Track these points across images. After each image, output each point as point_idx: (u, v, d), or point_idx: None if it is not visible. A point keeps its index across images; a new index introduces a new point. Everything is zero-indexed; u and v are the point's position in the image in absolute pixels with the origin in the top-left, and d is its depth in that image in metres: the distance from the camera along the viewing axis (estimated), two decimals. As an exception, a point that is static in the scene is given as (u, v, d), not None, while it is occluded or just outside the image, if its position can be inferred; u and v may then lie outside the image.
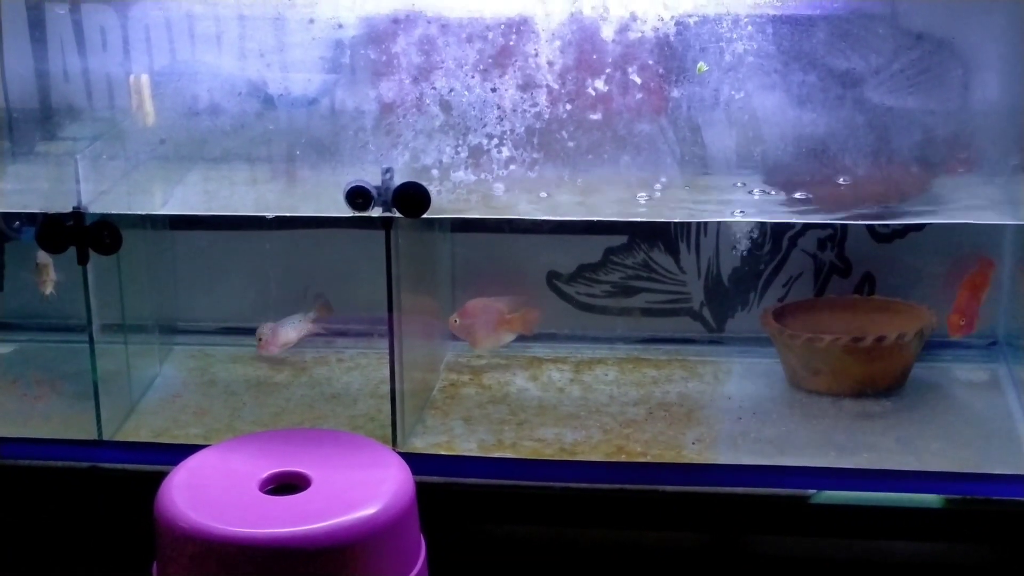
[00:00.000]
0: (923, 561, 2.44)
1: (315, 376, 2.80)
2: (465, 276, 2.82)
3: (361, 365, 2.83)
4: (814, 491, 2.30)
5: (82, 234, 2.41)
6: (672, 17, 2.33)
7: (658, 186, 2.42)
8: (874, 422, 2.51)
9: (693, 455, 2.41)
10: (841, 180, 2.38)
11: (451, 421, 2.58)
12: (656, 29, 2.33)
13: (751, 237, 2.76)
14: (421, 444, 2.49)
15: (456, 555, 2.34)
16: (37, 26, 2.71)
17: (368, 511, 2.02)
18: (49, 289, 2.63)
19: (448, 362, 2.84)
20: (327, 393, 2.72)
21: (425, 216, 2.35)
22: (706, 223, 2.76)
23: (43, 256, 2.57)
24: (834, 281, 2.79)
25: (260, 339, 2.80)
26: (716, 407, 2.61)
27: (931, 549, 2.43)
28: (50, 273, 2.61)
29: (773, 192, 2.41)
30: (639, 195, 2.43)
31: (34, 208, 2.48)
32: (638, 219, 2.48)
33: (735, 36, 2.32)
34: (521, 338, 2.80)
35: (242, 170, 2.59)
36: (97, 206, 2.42)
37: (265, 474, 2.11)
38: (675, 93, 2.39)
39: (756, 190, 2.40)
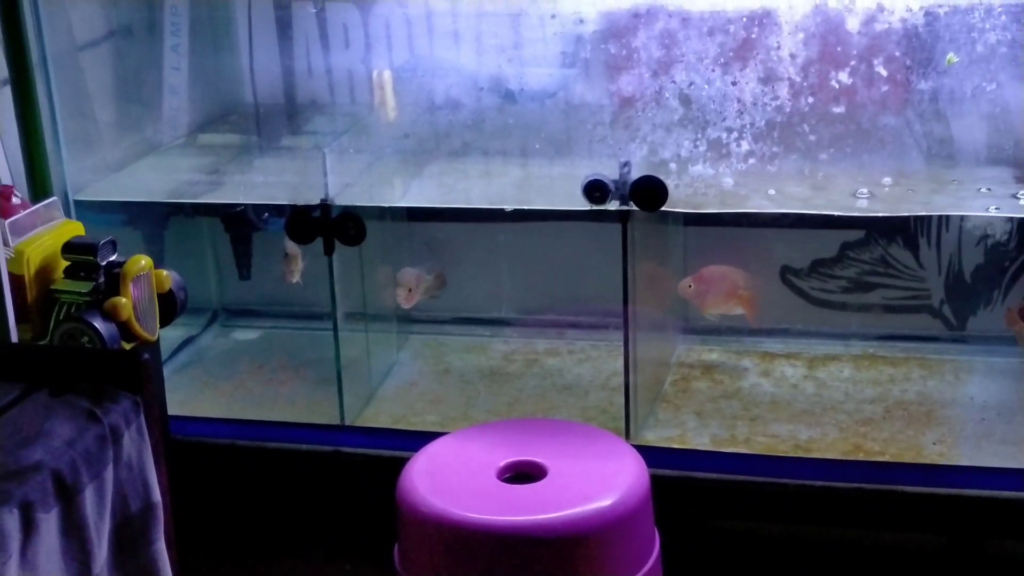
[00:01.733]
0: None
1: (546, 367, 2.83)
2: (697, 270, 2.80)
3: (592, 357, 2.86)
4: (1062, 495, 2.23)
5: (329, 226, 2.48)
6: (921, 8, 2.29)
7: (899, 180, 2.38)
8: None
9: (934, 456, 2.37)
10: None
11: (683, 415, 2.59)
12: (904, 20, 2.30)
13: (996, 233, 2.67)
14: (653, 437, 2.51)
15: (689, 549, 2.35)
16: (284, 24, 2.79)
17: (605, 502, 2.04)
18: (296, 278, 2.70)
19: (679, 356, 2.83)
20: (559, 384, 2.75)
21: (662, 209, 2.35)
22: (947, 219, 2.67)
23: (292, 246, 2.64)
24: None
25: (409, 290, 2.76)
26: (957, 407, 2.56)
27: None
28: (298, 263, 2.68)
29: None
30: (877, 189, 2.41)
31: (281, 200, 2.58)
32: (878, 214, 2.46)
33: (988, 26, 2.27)
34: (752, 332, 2.80)
35: (479, 163, 2.63)
36: (342, 198, 2.49)
37: (502, 463, 2.14)
38: (922, 85, 2.35)
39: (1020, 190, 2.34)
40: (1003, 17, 2.27)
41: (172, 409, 2.52)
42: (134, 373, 1.73)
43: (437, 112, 2.61)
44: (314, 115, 2.87)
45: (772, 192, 2.42)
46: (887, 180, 2.41)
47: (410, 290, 2.76)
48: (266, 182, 2.74)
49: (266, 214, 2.82)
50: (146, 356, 1.78)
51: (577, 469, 2.13)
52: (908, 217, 2.68)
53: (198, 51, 2.84)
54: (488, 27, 2.57)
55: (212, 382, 2.86)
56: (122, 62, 2.83)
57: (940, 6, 2.29)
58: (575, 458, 2.17)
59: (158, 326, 2.27)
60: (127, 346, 2.16)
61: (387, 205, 2.71)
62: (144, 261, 2.21)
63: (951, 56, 2.30)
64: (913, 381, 2.68)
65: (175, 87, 2.84)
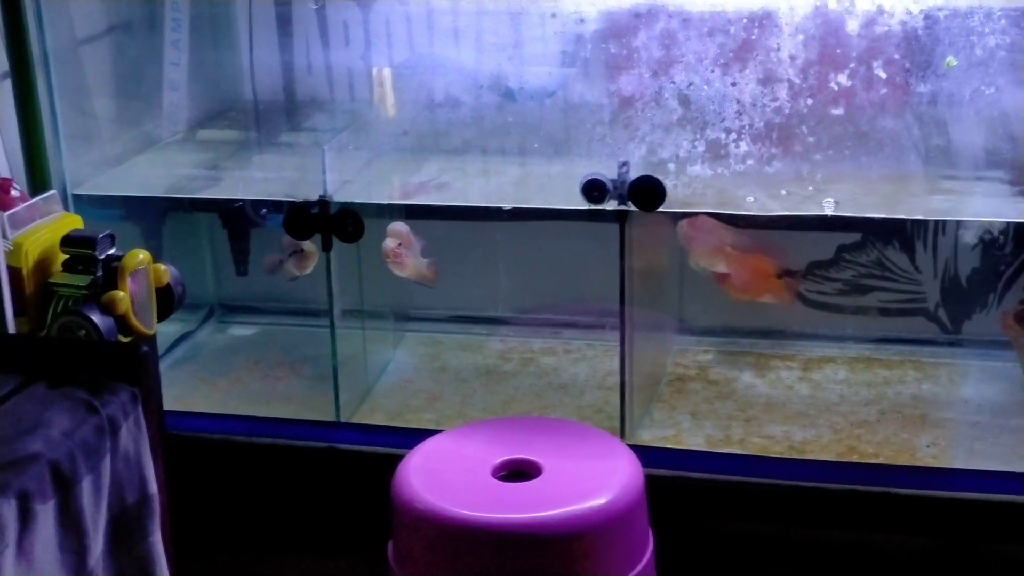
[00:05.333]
0: None
1: (543, 366, 2.83)
2: (694, 270, 2.79)
3: (588, 356, 2.86)
4: (1055, 499, 2.23)
5: (327, 222, 2.48)
6: (921, 11, 2.29)
7: (898, 183, 2.36)
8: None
9: (928, 458, 2.38)
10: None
11: (678, 415, 2.59)
12: (903, 23, 2.30)
13: (992, 237, 2.67)
14: (648, 437, 2.51)
15: (682, 549, 2.33)
16: (284, 21, 2.79)
17: (599, 501, 2.04)
18: (295, 275, 2.69)
19: (675, 356, 2.84)
20: (554, 383, 2.75)
21: (660, 210, 2.35)
22: (944, 222, 2.66)
23: (308, 244, 2.62)
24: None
25: (399, 243, 2.64)
26: (952, 410, 2.56)
27: None
28: (313, 259, 2.66)
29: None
30: (876, 191, 2.40)
31: (280, 196, 2.59)
32: (874, 216, 2.47)
33: (987, 30, 2.27)
34: (747, 334, 2.81)
35: (477, 162, 2.63)
36: (341, 195, 2.49)
37: (497, 460, 2.15)
38: (921, 88, 2.34)
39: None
40: (1003, 21, 2.26)
41: (168, 404, 2.49)
42: (132, 366, 1.73)
43: (436, 110, 2.63)
44: (313, 112, 2.88)
45: (784, 192, 2.41)
46: (897, 183, 2.42)
47: (400, 244, 2.66)
48: (265, 178, 2.76)
49: (264, 210, 2.83)
50: (144, 349, 1.78)
51: (572, 468, 2.13)
52: (904, 220, 2.68)
53: (198, 47, 2.84)
54: (488, 25, 2.58)
55: (208, 378, 2.86)
56: (122, 57, 2.83)
57: (940, 9, 2.29)
58: (570, 457, 2.16)
59: (155, 321, 2.26)
60: (124, 340, 2.16)
61: (385, 202, 2.67)
62: (142, 255, 2.21)
63: (950, 59, 2.30)
64: (908, 384, 2.69)
65: (174, 82, 2.83)
